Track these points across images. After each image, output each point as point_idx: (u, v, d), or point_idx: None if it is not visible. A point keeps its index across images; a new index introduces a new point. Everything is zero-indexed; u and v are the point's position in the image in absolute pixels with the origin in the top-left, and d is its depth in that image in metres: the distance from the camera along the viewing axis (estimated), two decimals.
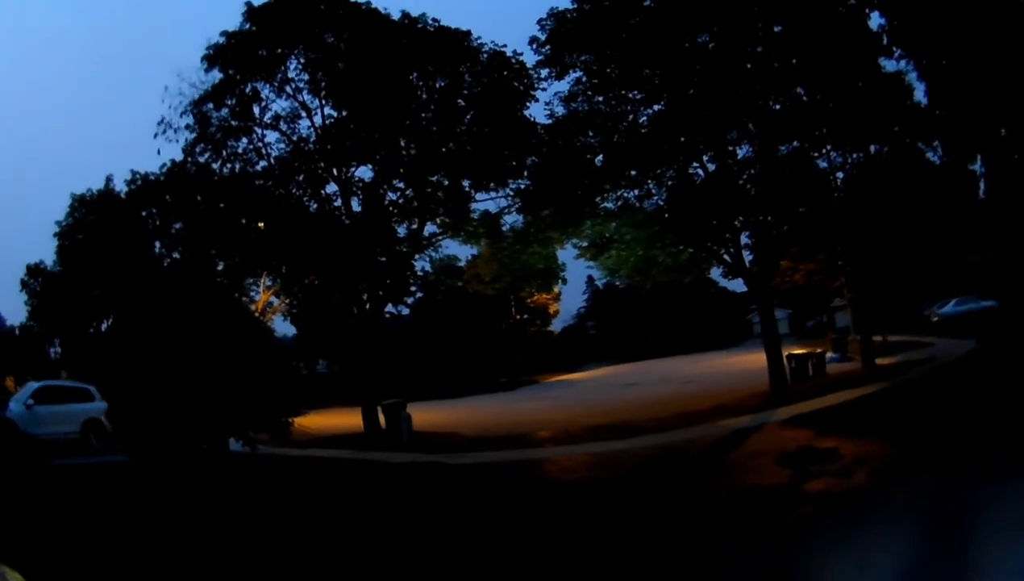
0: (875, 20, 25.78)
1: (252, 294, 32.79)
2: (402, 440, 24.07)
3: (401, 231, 27.82)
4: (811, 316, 64.65)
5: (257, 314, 31.43)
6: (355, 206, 26.84)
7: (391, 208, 27.13)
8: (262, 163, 26.45)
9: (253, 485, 15.96)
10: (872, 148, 26.98)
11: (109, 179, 39.67)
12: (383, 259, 27.42)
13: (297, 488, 16.90)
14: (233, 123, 25.76)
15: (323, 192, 26.83)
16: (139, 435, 15.05)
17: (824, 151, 27.61)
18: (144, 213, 35.92)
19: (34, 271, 42.65)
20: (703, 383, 34.90)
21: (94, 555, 9.90)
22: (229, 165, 26.28)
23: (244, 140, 26.08)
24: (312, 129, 26.37)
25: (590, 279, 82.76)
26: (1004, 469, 10.30)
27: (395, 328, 45.26)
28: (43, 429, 21.84)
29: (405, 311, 48.93)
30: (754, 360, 37.14)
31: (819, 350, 30.49)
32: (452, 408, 35.16)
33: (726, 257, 28.07)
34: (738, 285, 62.07)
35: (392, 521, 12.86)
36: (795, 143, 26.57)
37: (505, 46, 26.68)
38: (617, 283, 68.34)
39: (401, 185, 27.20)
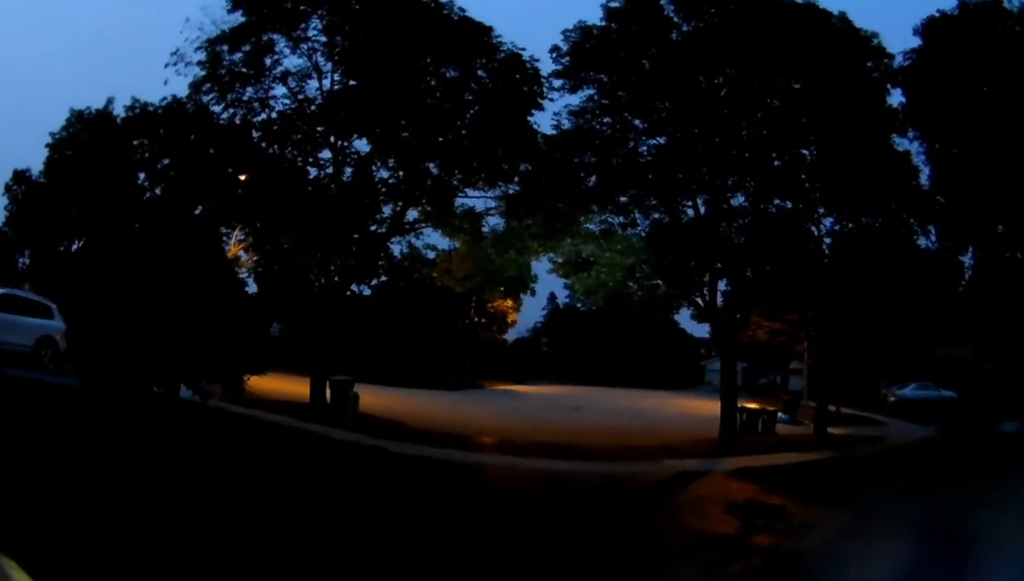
0: (895, 97, 26.53)
1: (224, 245, 32.16)
2: (346, 418, 23.75)
3: (386, 211, 27.55)
4: (764, 373, 65.26)
5: None
6: (344, 180, 26.51)
7: (380, 186, 26.85)
8: (263, 116, 26.06)
9: (201, 437, 15.59)
10: (864, 220, 27.24)
11: (110, 101, 38.75)
12: (358, 236, 27.13)
13: (243, 448, 16.58)
14: (243, 69, 25.37)
15: (318, 156, 26.49)
16: (93, 363, 14.67)
17: (817, 215, 27.87)
18: (136, 142, 35.26)
19: (19, 177, 41.59)
20: (652, 420, 35.06)
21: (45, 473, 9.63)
22: (231, 110, 25.85)
23: (250, 88, 25.68)
24: (319, 92, 26.02)
25: (552, 296, 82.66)
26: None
27: (353, 308, 44.78)
28: None
29: (367, 292, 48.87)
30: (702, 406, 37.43)
31: (771, 408, 30.72)
32: (396, 396, 34.74)
33: (699, 300, 28.18)
34: (698, 329, 62.97)
35: (342, 499, 12.67)
36: (789, 203, 26.85)
37: (524, 49, 26.51)
38: (579, 306, 68.98)
39: (393, 165, 26.93)
